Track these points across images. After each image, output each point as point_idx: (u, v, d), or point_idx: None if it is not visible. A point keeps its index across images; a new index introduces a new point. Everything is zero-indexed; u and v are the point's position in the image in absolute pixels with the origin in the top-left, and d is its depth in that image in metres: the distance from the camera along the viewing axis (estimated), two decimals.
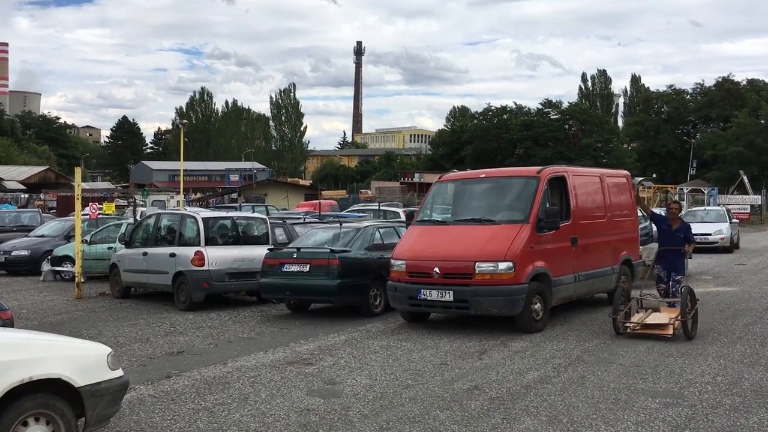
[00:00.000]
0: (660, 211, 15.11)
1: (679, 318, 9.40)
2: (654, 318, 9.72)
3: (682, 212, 9.02)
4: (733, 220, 27.20)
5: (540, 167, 11.52)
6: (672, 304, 10.06)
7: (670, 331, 9.31)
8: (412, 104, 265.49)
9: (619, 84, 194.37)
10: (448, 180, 12.46)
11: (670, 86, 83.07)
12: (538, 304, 10.32)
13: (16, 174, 65.28)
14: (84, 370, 5.06)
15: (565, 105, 77.76)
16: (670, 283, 10.43)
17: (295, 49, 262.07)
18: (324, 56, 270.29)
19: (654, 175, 64.42)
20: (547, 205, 10.81)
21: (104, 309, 13.25)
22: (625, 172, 14.20)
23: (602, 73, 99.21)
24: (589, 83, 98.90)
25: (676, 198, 31.47)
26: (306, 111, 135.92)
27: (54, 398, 4.88)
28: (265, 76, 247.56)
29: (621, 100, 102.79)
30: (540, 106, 78.08)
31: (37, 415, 4.80)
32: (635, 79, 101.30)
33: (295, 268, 11.86)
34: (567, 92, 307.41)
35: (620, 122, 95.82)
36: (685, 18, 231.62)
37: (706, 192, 45.05)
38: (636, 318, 9.79)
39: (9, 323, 6.71)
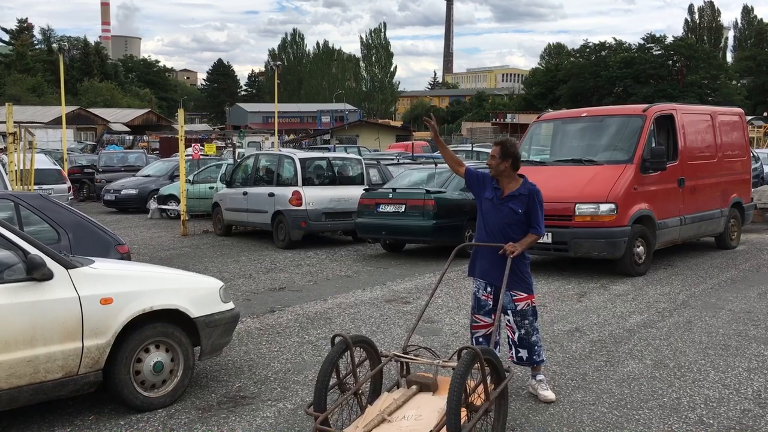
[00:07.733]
0: None
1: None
2: (407, 417, 4.08)
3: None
4: None
5: (646, 105, 11.03)
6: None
7: None
8: (503, 42, 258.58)
9: (729, 16, 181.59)
10: (546, 119, 12.11)
11: None
12: (641, 247, 10.02)
13: (120, 116, 68.32)
14: (199, 302, 5.32)
15: (669, 40, 73.61)
16: (508, 314, 5.15)
17: None
18: None
19: (765, 114, 60.59)
20: (653, 145, 10.39)
21: (208, 246, 13.83)
22: (739, 109, 13.45)
23: (710, 5, 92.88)
24: (696, 16, 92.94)
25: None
26: (394, 51, 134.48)
27: (172, 327, 5.16)
28: (352, 17, 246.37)
29: (731, 34, 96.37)
30: (641, 41, 74.29)
31: (158, 343, 5.10)
32: (747, 11, 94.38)
33: (390, 208, 11.95)
34: (668, 26, 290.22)
35: (729, 57, 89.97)
36: None
37: None
38: (371, 416, 4.10)
39: (127, 257, 7.10)
